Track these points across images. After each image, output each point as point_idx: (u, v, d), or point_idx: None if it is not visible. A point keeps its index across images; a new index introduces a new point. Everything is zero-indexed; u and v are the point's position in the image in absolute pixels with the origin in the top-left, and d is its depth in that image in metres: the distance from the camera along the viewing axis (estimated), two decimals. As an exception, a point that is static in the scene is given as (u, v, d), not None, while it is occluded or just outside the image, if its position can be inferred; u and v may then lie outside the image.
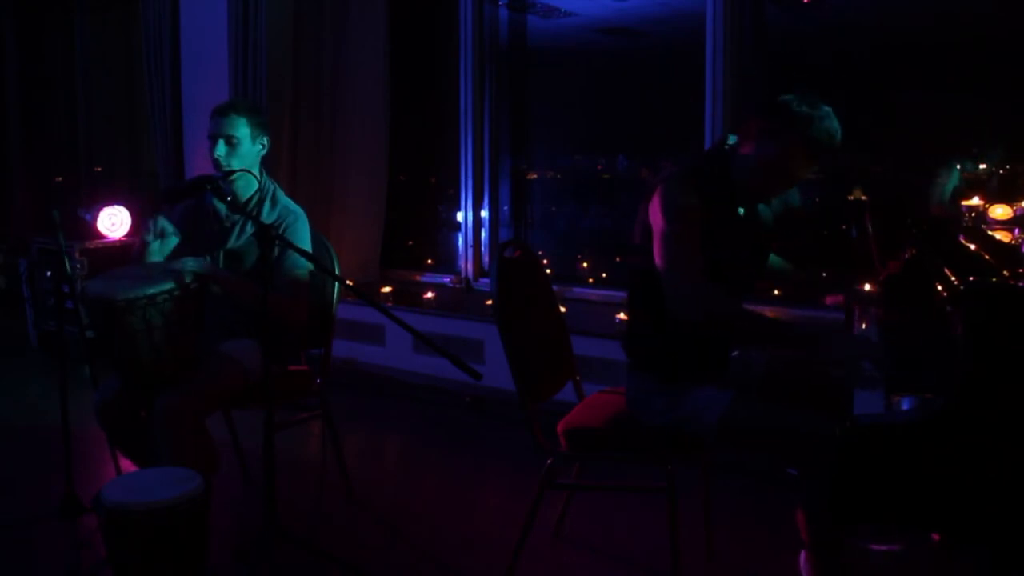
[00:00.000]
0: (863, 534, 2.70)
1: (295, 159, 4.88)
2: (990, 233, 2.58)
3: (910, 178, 3.73)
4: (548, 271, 3.16)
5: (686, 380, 2.29)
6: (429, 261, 5.25)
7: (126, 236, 5.36)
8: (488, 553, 2.81)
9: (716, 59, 3.84)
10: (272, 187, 2.98)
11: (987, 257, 2.14)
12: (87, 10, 6.56)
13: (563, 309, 3.99)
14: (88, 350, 3.30)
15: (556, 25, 4.80)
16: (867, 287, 2.50)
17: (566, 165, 4.99)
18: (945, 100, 3.63)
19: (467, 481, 3.53)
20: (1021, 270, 1.94)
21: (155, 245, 2.82)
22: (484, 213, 4.84)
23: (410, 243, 5.36)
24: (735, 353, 2.41)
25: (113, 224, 5.34)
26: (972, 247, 2.27)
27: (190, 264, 2.63)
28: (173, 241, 2.85)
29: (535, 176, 4.97)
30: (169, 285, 2.53)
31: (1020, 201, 2.83)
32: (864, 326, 2.35)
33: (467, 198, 4.81)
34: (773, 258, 2.58)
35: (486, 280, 4.76)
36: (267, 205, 2.92)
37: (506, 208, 4.92)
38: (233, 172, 2.83)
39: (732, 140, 2.30)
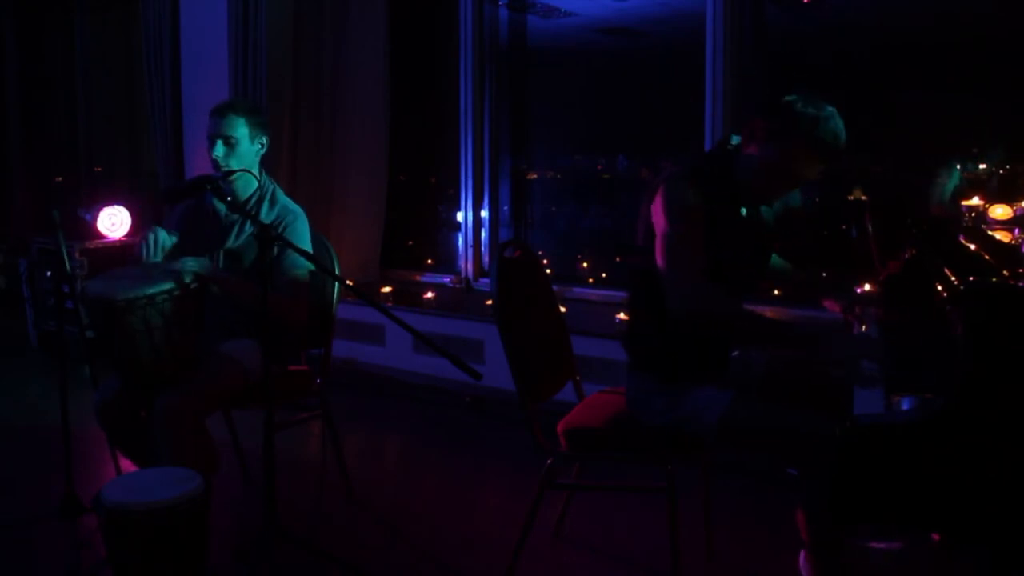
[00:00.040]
0: (863, 534, 2.70)
1: (295, 159, 4.88)
2: (990, 233, 2.58)
3: (910, 178, 3.73)
4: (548, 271, 3.16)
5: (686, 380, 2.29)
6: (429, 261, 5.25)
7: (126, 236, 5.36)
8: (488, 553, 2.81)
9: (716, 59, 3.84)
10: (272, 187, 2.98)
11: (987, 257, 2.14)
12: (87, 10, 6.56)
13: (563, 309, 4.00)
14: (88, 350, 3.30)
15: (556, 25, 4.80)
16: (867, 287, 2.50)
17: (566, 165, 4.99)
18: (945, 100, 3.63)
19: (467, 481, 3.53)
20: (1021, 270, 1.94)
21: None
22: (484, 213, 4.84)
23: (410, 243, 5.36)
24: (735, 353, 2.41)
25: (113, 224, 5.34)
26: (972, 247, 2.27)
27: (190, 264, 2.63)
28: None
29: (535, 176, 4.97)
30: (169, 285, 2.53)
31: (1020, 201, 2.82)
32: (864, 327, 2.35)
33: (467, 198, 4.81)
34: (774, 258, 2.58)
35: (486, 280, 4.76)
36: (266, 205, 2.92)
37: (506, 208, 4.92)
38: (233, 172, 2.83)
39: (735, 140, 2.29)
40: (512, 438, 3.94)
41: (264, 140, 2.95)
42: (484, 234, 4.85)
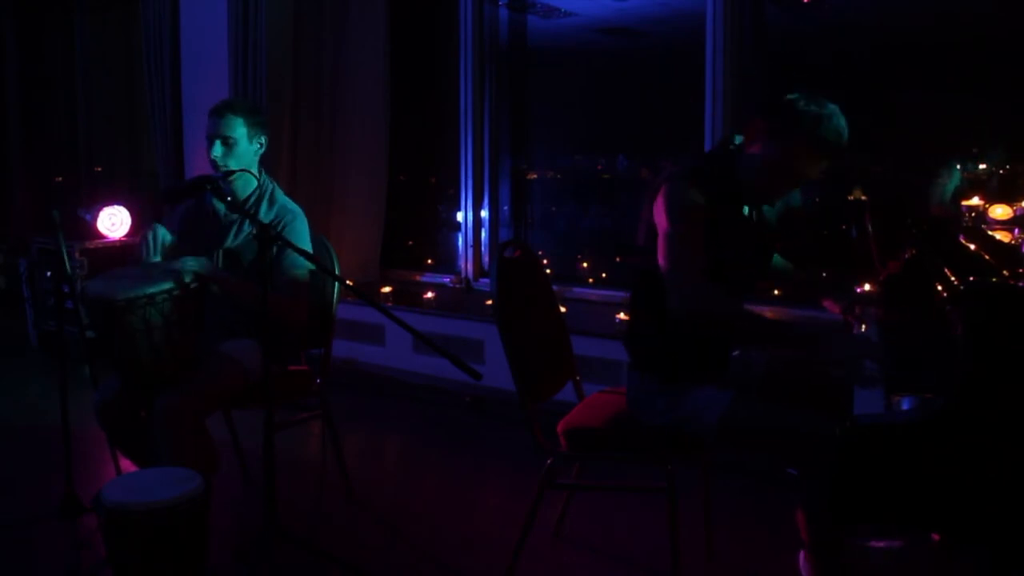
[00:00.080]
0: (863, 534, 2.69)
1: (295, 159, 4.88)
2: (990, 233, 2.58)
3: (910, 178, 3.73)
4: (548, 271, 3.16)
5: (687, 380, 2.29)
6: (429, 261, 5.25)
7: (126, 236, 5.36)
8: (488, 553, 2.81)
9: (716, 59, 3.84)
10: (271, 186, 2.98)
11: (987, 257, 2.13)
12: (87, 10, 6.56)
13: (563, 309, 4.00)
14: (88, 350, 3.30)
15: (556, 25, 4.80)
16: (867, 287, 2.50)
17: (566, 165, 4.99)
18: (945, 100, 3.63)
19: (467, 481, 3.53)
20: (1021, 270, 1.94)
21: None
22: (484, 213, 4.84)
23: (410, 243, 5.36)
24: (735, 353, 2.41)
25: (113, 224, 5.35)
26: (972, 247, 2.27)
27: (190, 264, 2.63)
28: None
29: (535, 176, 4.97)
30: (168, 285, 2.53)
31: (1020, 201, 2.82)
32: (864, 327, 2.35)
33: (467, 198, 4.81)
34: (776, 258, 2.58)
35: (486, 280, 4.76)
36: (264, 204, 2.92)
37: (506, 208, 4.92)
38: (232, 172, 2.83)
39: (738, 140, 2.29)
40: (512, 438, 3.94)
41: (263, 140, 2.95)
42: (484, 234, 4.85)
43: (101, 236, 5.29)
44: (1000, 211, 2.78)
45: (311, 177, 4.89)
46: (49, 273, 5.31)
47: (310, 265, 2.83)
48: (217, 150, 2.85)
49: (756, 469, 3.35)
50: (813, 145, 2.14)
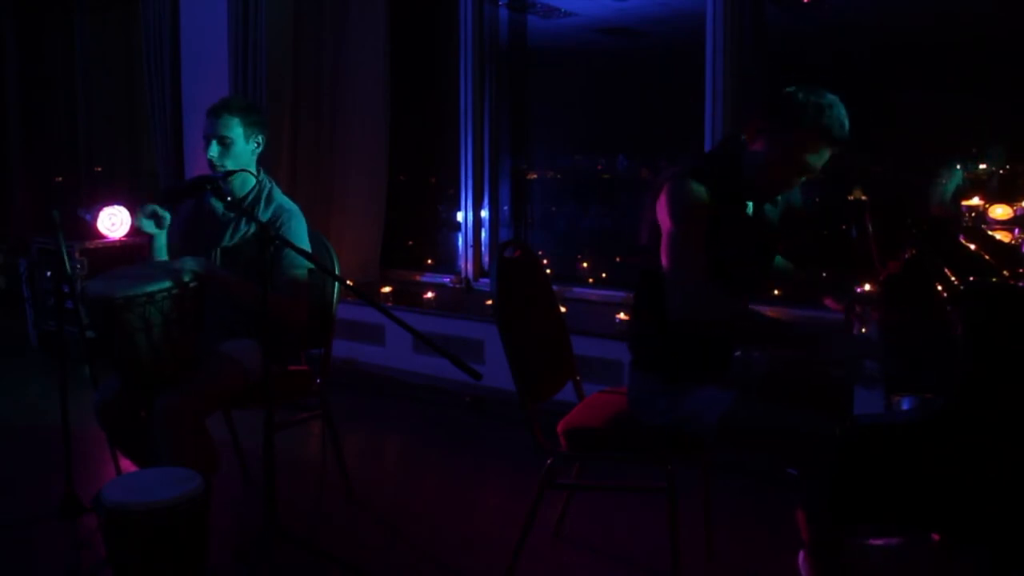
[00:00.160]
0: (863, 533, 2.69)
1: (295, 159, 4.88)
2: (990, 233, 2.58)
3: (910, 178, 3.73)
4: (548, 271, 3.16)
5: (688, 380, 2.29)
6: (429, 261, 5.25)
7: (126, 236, 5.36)
8: (488, 553, 2.81)
9: (716, 59, 3.84)
10: (269, 185, 2.98)
11: (987, 257, 2.13)
12: (87, 10, 6.56)
13: (563, 309, 4.00)
14: (88, 350, 3.30)
15: (556, 25, 4.80)
16: (867, 287, 2.49)
17: (566, 165, 4.99)
18: (945, 100, 3.63)
19: (467, 481, 3.53)
20: (1021, 270, 1.94)
21: (149, 225, 2.82)
22: (484, 213, 4.84)
23: (410, 243, 5.36)
24: (737, 353, 2.41)
25: (113, 224, 5.34)
26: (972, 247, 2.27)
27: (189, 263, 2.63)
28: (166, 219, 2.85)
29: (535, 176, 4.97)
30: (168, 284, 2.53)
31: (1020, 201, 2.82)
32: (864, 327, 2.35)
33: (467, 198, 4.81)
34: (777, 258, 2.58)
35: (486, 280, 4.76)
36: (262, 203, 2.92)
37: (506, 208, 4.92)
38: (232, 173, 2.83)
39: (744, 138, 2.28)
40: (512, 438, 3.94)
41: (260, 139, 2.95)
42: (484, 234, 4.85)
43: (101, 236, 5.29)
44: (1000, 211, 2.78)
45: (311, 177, 4.89)
46: (49, 273, 5.31)
47: (309, 264, 2.83)
48: (213, 150, 2.85)
49: (756, 469, 3.35)
50: (817, 134, 2.13)
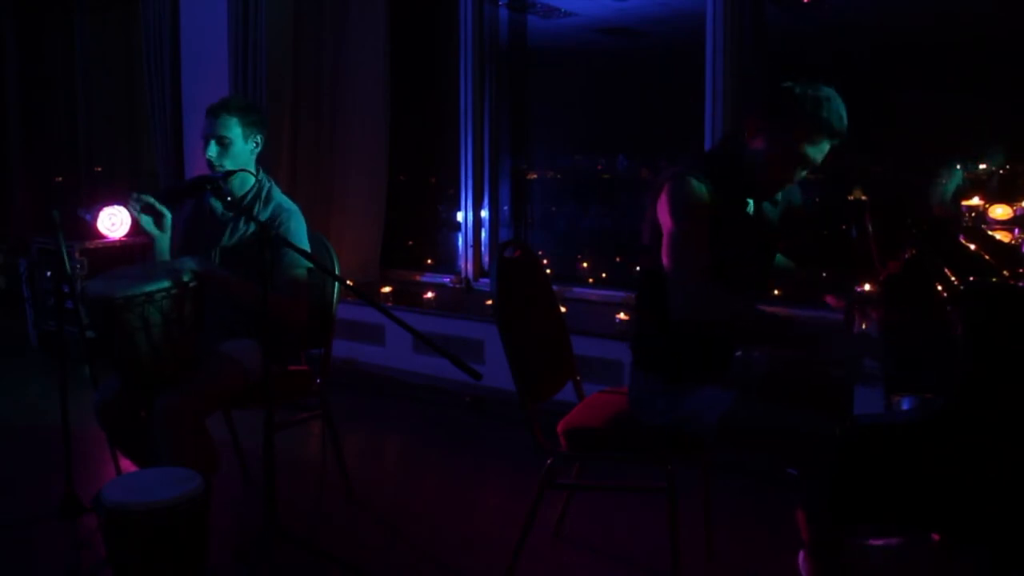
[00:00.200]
0: (863, 534, 2.69)
1: (295, 159, 4.88)
2: (990, 233, 2.58)
3: (910, 178, 3.73)
4: (548, 271, 3.16)
5: (690, 380, 2.29)
6: (429, 261, 5.24)
7: (126, 236, 5.37)
8: (488, 553, 2.81)
9: (716, 59, 3.84)
10: (268, 185, 2.98)
11: (987, 257, 2.13)
12: (87, 10, 6.56)
13: (563, 309, 3.99)
14: (88, 350, 3.30)
15: (556, 25, 4.80)
16: (867, 287, 2.49)
17: (566, 165, 4.99)
18: (945, 100, 3.63)
19: (467, 481, 3.53)
20: (1021, 270, 1.94)
21: (149, 223, 2.82)
22: (484, 213, 4.84)
23: (410, 243, 5.36)
24: (738, 353, 2.41)
25: (113, 224, 5.35)
26: (972, 247, 2.27)
27: (189, 263, 2.63)
28: (167, 219, 2.85)
29: (535, 176, 4.97)
30: (167, 283, 2.53)
31: (1020, 201, 2.82)
32: (864, 326, 2.35)
33: (467, 198, 4.81)
34: (778, 257, 2.58)
35: (486, 280, 4.76)
36: (260, 202, 2.92)
37: (506, 208, 4.92)
38: (232, 173, 2.83)
39: (742, 137, 2.28)
40: (512, 438, 3.94)
41: (259, 139, 2.95)
42: (484, 234, 4.85)
43: (101, 236, 5.29)
44: (1000, 211, 2.78)
45: (311, 177, 4.89)
46: (49, 273, 5.31)
47: (309, 264, 2.83)
48: (212, 150, 2.86)
49: (756, 469, 3.35)
50: (816, 126, 2.13)
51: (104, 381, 2.79)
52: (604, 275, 4.60)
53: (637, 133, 4.62)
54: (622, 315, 4.11)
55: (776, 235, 2.43)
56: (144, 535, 2.25)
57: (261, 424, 2.49)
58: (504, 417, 4.19)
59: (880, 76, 3.78)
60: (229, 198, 2.71)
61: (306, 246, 2.93)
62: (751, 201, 2.30)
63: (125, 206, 5.37)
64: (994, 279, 1.84)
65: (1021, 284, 1.78)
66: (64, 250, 3.02)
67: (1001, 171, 3.36)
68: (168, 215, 2.86)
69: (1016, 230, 2.64)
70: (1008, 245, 2.46)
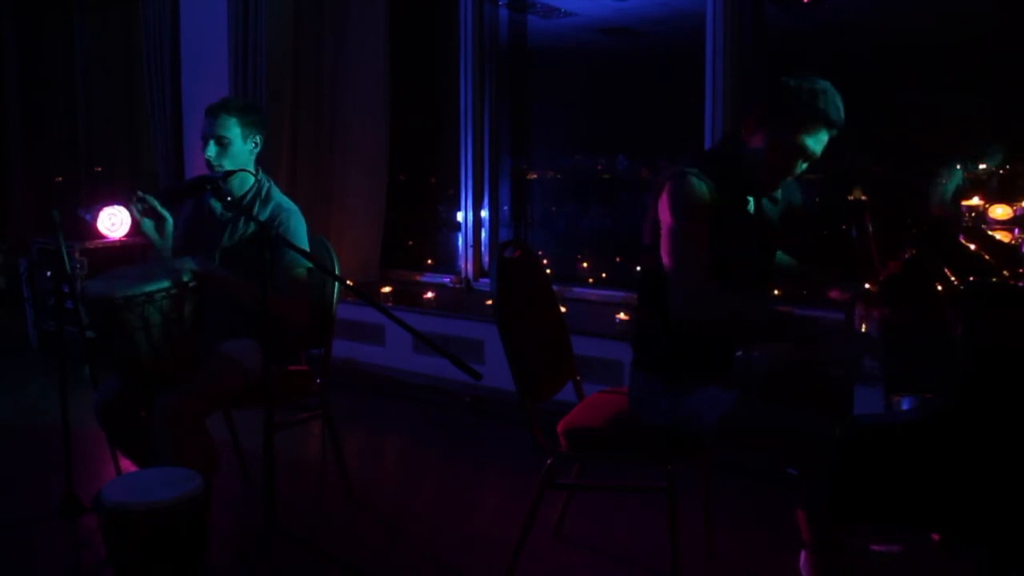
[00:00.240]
0: (863, 534, 2.70)
1: (295, 159, 4.88)
2: (990, 233, 2.58)
3: (910, 178, 3.73)
4: (548, 271, 3.16)
5: (691, 380, 2.29)
6: (429, 261, 5.24)
7: (126, 236, 5.37)
8: (488, 553, 2.81)
9: (716, 59, 3.84)
10: (267, 185, 2.98)
11: (987, 257, 2.13)
12: (87, 10, 6.56)
13: (563, 309, 3.99)
14: (88, 350, 3.30)
15: (556, 25, 4.80)
16: (867, 287, 2.49)
17: (566, 165, 4.99)
18: (945, 100, 3.63)
19: (467, 481, 3.53)
20: (1021, 270, 1.94)
21: (149, 227, 2.83)
22: (484, 213, 4.84)
23: (410, 243, 5.36)
24: (739, 353, 2.41)
25: (113, 224, 5.35)
26: (972, 247, 2.27)
27: (189, 263, 2.63)
28: (168, 224, 2.85)
29: (535, 176, 4.97)
30: (167, 283, 2.53)
31: (1020, 201, 2.82)
32: (864, 326, 2.35)
33: (467, 198, 4.81)
34: (779, 255, 2.58)
35: (486, 280, 4.76)
36: (260, 203, 2.92)
37: (506, 208, 4.92)
38: (232, 173, 2.83)
39: (741, 136, 2.28)
40: (512, 438, 3.94)
41: (258, 139, 2.95)
42: (484, 234, 4.85)
43: (101, 236, 5.29)
44: (1000, 211, 2.78)
45: (311, 177, 4.89)
46: (49, 273, 5.31)
47: (309, 263, 2.83)
48: (211, 150, 2.86)
49: (756, 469, 3.35)
50: (813, 116, 2.13)
51: (104, 381, 2.79)
52: (604, 275, 4.60)
53: (637, 133, 4.62)
54: (622, 315, 4.11)
55: (776, 233, 2.43)
56: (144, 535, 2.25)
57: (261, 424, 2.49)
58: (504, 417, 4.19)
59: (880, 76, 3.78)
60: (229, 198, 2.70)
61: (306, 246, 2.93)
62: (752, 200, 2.31)
63: (126, 206, 5.39)
64: (994, 279, 1.84)
65: (1021, 284, 1.78)
66: (64, 250, 3.02)
67: (1001, 171, 3.36)
68: (169, 220, 2.86)
69: (1016, 230, 2.64)
70: (1008, 245, 2.46)
